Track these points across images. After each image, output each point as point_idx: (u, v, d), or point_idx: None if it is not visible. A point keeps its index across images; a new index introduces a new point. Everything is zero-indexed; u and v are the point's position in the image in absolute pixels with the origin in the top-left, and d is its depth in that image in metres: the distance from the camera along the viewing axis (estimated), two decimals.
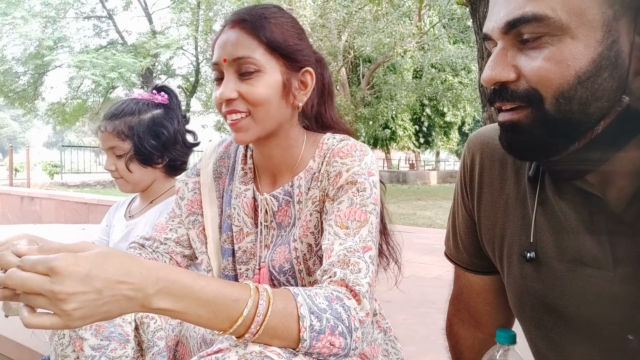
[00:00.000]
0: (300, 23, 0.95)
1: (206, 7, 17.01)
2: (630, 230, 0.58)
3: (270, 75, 0.84)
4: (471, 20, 6.06)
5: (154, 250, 0.98)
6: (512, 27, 0.55)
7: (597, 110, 0.54)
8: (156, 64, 19.60)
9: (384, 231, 0.98)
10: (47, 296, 0.52)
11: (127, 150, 1.32)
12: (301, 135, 0.94)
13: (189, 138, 1.41)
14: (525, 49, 0.55)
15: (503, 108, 0.59)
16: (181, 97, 21.90)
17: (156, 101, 1.37)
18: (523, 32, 0.55)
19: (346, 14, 14.84)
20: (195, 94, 20.21)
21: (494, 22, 0.58)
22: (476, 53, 5.87)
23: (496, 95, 0.59)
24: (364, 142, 1.06)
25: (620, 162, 0.57)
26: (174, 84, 21.14)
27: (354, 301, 0.69)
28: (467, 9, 6.08)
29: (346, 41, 16.15)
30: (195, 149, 1.46)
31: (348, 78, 17.94)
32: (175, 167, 1.39)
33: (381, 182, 0.92)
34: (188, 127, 1.44)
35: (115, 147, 1.33)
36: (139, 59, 17.15)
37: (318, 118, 0.97)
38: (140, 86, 19.71)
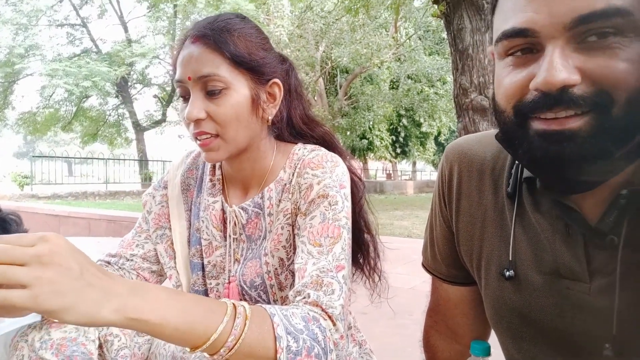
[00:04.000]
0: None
1: (183, 15, 16.90)
2: (604, 242, 0.58)
3: (238, 91, 0.81)
4: (446, 32, 6.18)
5: (120, 267, 0.94)
6: (582, 22, 0.49)
7: None
8: (131, 72, 19.34)
9: (371, 240, 0.98)
10: (28, 262, 0.49)
11: None
12: (271, 146, 0.91)
13: (10, 231, 1.05)
14: (587, 49, 0.50)
15: (555, 116, 0.52)
16: (157, 107, 21.50)
17: None
18: (592, 29, 0.49)
19: (323, 24, 14.95)
20: (171, 103, 20.03)
21: (546, 16, 0.50)
22: (451, 65, 5.98)
23: (549, 100, 0.52)
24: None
25: None
26: (149, 93, 20.91)
27: (329, 322, 0.68)
28: (442, 22, 6.20)
29: (323, 52, 16.26)
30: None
31: (325, 88, 18.04)
32: None
33: (360, 182, 0.93)
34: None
35: None
36: (113, 68, 16.88)
37: (289, 124, 0.95)
38: (115, 95, 19.41)
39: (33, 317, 0.82)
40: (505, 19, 0.55)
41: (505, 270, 0.67)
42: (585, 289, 0.60)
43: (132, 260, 0.95)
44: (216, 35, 0.80)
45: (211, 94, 0.80)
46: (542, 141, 0.53)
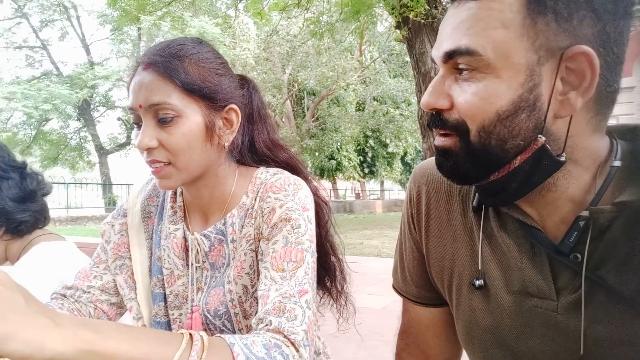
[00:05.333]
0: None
1: (147, 38, 16.78)
2: (568, 261, 0.59)
3: (190, 119, 0.79)
4: (409, 56, 6.36)
5: (76, 300, 0.89)
6: (450, 57, 0.58)
7: (513, 147, 0.57)
8: (94, 95, 18.97)
9: (338, 263, 0.97)
10: None
11: None
12: (232, 171, 0.89)
13: (24, 187, 1.17)
14: (460, 80, 0.59)
15: (440, 132, 0.63)
16: (122, 129, 21.08)
17: None
18: (459, 63, 0.58)
19: (289, 48, 15.13)
20: None
21: (436, 51, 0.61)
22: (414, 87, 6.13)
23: (432, 120, 0.62)
24: (311, 172, 1.05)
25: (554, 195, 0.60)
26: (113, 115, 20.58)
27: (292, 349, 0.66)
28: (405, 46, 6.38)
29: (290, 74, 16.42)
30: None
31: (293, 110, 18.17)
32: (16, 228, 1.17)
33: (326, 205, 0.91)
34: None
35: None
36: (75, 90, 16.53)
37: (252, 148, 0.93)
38: (76, 118, 18.94)
39: None
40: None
41: (475, 279, 0.68)
42: (553, 306, 0.61)
43: (89, 292, 0.90)
44: (166, 62, 0.78)
45: (163, 122, 0.78)
46: (436, 152, 0.65)
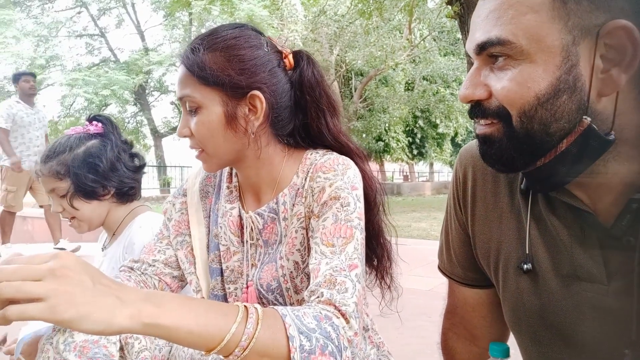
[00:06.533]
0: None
1: (198, 23, 17.12)
2: (621, 244, 0.58)
3: (209, 109, 0.83)
4: (460, 33, 6.15)
5: (142, 273, 0.97)
6: (482, 49, 0.59)
7: (558, 130, 0.56)
8: (149, 80, 19.66)
9: (386, 245, 0.98)
10: (43, 276, 0.52)
11: (67, 188, 1.28)
12: (279, 153, 0.92)
13: (134, 161, 1.39)
14: (495, 69, 0.59)
15: (481, 122, 0.63)
16: (174, 114, 21.63)
17: (90, 132, 1.33)
18: (492, 54, 0.58)
19: (337, 28, 14.98)
20: None
21: (469, 43, 0.62)
22: (466, 65, 5.93)
23: (473, 111, 0.63)
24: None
25: (605, 177, 0.58)
26: (166, 100, 21.25)
27: (342, 320, 0.68)
28: (457, 22, 6.17)
29: (338, 55, 16.29)
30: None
31: (340, 91, 18.05)
32: (125, 193, 1.35)
33: (379, 187, 0.94)
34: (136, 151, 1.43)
35: (56, 189, 1.29)
36: (131, 76, 17.19)
37: (308, 133, 0.93)
38: (133, 103, 19.75)
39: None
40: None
41: (523, 263, 0.68)
42: (604, 290, 0.60)
43: (154, 265, 0.97)
44: (188, 56, 0.84)
45: (191, 113, 0.85)
46: (478, 141, 0.65)
